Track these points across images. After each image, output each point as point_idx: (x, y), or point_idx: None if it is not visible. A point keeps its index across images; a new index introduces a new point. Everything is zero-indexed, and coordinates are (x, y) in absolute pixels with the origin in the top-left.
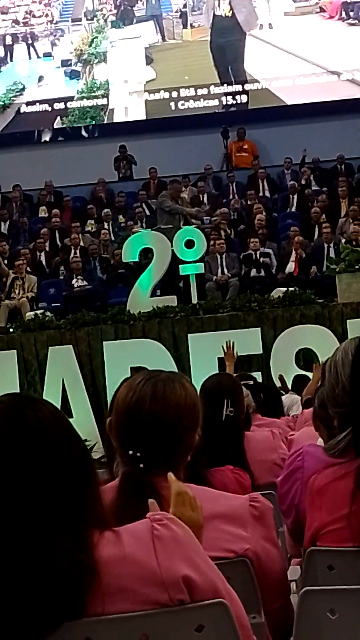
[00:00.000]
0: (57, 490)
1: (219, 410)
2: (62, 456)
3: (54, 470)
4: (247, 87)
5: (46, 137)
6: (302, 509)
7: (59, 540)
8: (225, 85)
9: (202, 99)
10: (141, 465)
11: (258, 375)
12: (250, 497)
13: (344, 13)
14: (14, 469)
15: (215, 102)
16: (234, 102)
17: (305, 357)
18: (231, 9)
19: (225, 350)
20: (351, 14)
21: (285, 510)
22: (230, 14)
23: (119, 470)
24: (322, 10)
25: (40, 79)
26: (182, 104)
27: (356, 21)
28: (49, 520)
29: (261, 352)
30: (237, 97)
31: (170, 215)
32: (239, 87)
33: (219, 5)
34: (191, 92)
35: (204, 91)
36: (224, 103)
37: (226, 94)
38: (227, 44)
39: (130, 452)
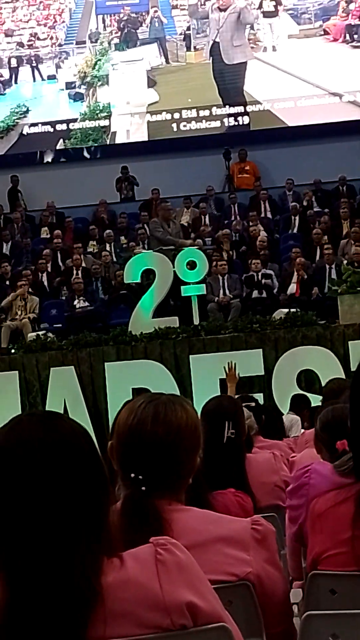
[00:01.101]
0: (81, 507)
1: (220, 432)
2: (90, 471)
3: (81, 484)
4: (249, 108)
5: (48, 158)
6: (305, 528)
7: (73, 562)
8: (227, 106)
9: (204, 121)
10: (143, 488)
11: (260, 397)
12: (252, 520)
13: (347, 36)
14: (45, 478)
15: (217, 124)
16: (236, 123)
17: (307, 379)
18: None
19: (227, 371)
20: (355, 36)
21: (290, 519)
22: None
23: (121, 494)
24: (326, 32)
25: (44, 101)
26: (184, 126)
27: None
28: (70, 537)
29: (263, 373)
30: (239, 118)
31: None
32: (240, 109)
33: (218, 33)
34: (193, 113)
35: (206, 112)
36: (226, 124)
37: (228, 116)
38: (227, 68)
39: (132, 475)
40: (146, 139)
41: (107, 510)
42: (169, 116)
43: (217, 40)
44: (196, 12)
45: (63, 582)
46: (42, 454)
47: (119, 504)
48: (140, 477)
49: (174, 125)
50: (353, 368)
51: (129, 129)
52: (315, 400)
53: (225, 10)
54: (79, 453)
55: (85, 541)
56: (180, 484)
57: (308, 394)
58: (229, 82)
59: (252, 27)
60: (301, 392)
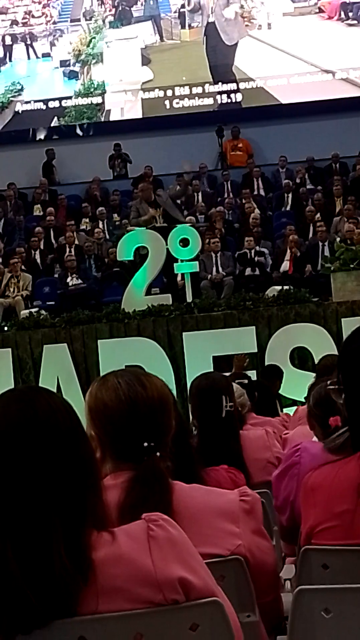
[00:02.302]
0: (61, 483)
1: (217, 407)
2: (70, 447)
3: (60, 461)
4: (242, 85)
5: (41, 136)
6: (298, 506)
7: (59, 536)
8: (219, 83)
9: (196, 98)
10: (158, 454)
11: (253, 374)
12: (240, 492)
13: (342, 13)
14: (22, 456)
15: (210, 101)
16: (229, 100)
17: (300, 356)
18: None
19: (236, 362)
20: (350, 14)
21: (280, 506)
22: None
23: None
24: (321, 10)
25: (39, 79)
26: (177, 103)
27: (355, 21)
28: (51, 514)
29: (256, 350)
30: (232, 95)
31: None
32: (233, 86)
33: (212, 13)
34: (186, 90)
35: (199, 90)
36: (219, 102)
37: (221, 93)
38: (220, 46)
39: (145, 444)
40: (140, 116)
41: (92, 483)
42: (161, 93)
43: (212, 20)
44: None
45: (47, 556)
46: (16, 429)
47: (113, 480)
48: (152, 444)
49: (167, 102)
50: None
51: (123, 106)
52: (308, 377)
53: None
54: (54, 428)
55: (68, 515)
56: (167, 445)
57: (301, 371)
58: (221, 60)
59: (242, 6)
60: (274, 363)
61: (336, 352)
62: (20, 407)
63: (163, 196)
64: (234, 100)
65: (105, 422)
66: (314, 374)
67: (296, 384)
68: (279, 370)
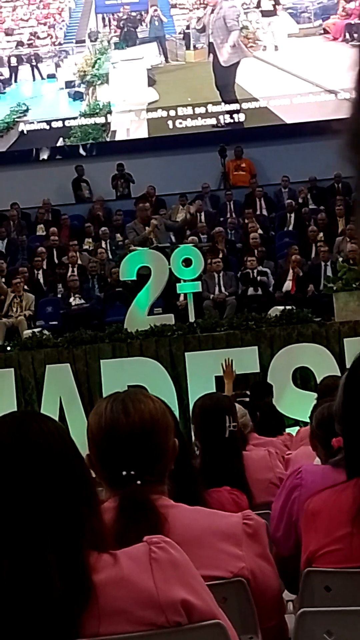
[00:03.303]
0: (55, 506)
1: (220, 428)
2: (63, 471)
3: (54, 485)
4: (245, 105)
5: (44, 156)
6: (300, 528)
7: (55, 558)
8: (222, 104)
9: (199, 118)
10: (138, 482)
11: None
12: (243, 515)
13: (347, 35)
14: (14, 480)
15: (213, 121)
16: (232, 120)
17: (303, 376)
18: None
19: (224, 368)
20: (355, 35)
21: (282, 535)
22: None
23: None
24: (326, 32)
25: (44, 100)
26: (180, 123)
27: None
28: (46, 536)
29: (258, 370)
30: (235, 115)
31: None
32: (236, 106)
33: (212, 33)
34: (189, 110)
35: (202, 110)
36: (222, 122)
37: (223, 113)
38: (221, 67)
39: (124, 473)
40: (146, 136)
41: (88, 506)
42: (164, 113)
43: (211, 40)
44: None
45: (45, 579)
46: (8, 454)
47: (110, 504)
48: (132, 472)
49: (170, 122)
50: (348, 365)
51: (129, 127)
52: (311, 397)
53: (213, 11)
54: (46, 452)
55: (65, 537)
56: (165, 472)
57: (303, 391)
58: (222, 80)
59: (247, 27)
60: (267, 382)
61: (339, 373)
62: (12, 432)
63: (158, 221)
64: (236, 120)
65: (92, 447)
66: (315, 394)
67: (298, 404)
68: (268, 386)
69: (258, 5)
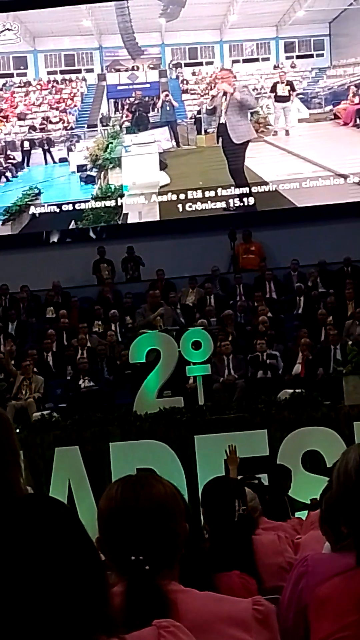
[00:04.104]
0: (64, 590)
1: (229, 511)
2: (72, 554)
3: (62, 568)
4: (255, 189)
5: (54, 239)
6: (309, 616)
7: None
8: (232, 187)
9: (209, 201)
10: (147, 567)
11: (264, 478)
12: (253, 601)
13: (357, 119)
14: (22, 563)
15: (223, 204)
16: (241, 204)
17: (312, 459)
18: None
19: (228, 454)
20: None
21: (291, 626)
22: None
23: (116, 582)
24: (336, 117)
25: (56, 184)
26: (190, 206)
27: None
28: (54, 621)
29: (267, 453)
30: (244, 199)
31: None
32: (246, 190)
33: (224, 114)
34: (199, 194)
35: (212, 193)
36: (232, 205)
37: (234, 196)
38: (232, 148)
39: (132, 557)
40: (158, 219)
41: (99, 589)
42: (174, 197)
43: (222, 121)
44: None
45: None
46: (21, 539)
47: (118, 588)
48: (140, 557)
49: (180, 205)
50: None
51: (141, 210)
52: (321, 481)
53: (225, 94)
54: (56, 537)
55: (75, 621)
56: (176, 556)
57: (313, 474)
58: (232, 162)
59: (257, 112)
60: (286, 466)
61: None
62: (23, 515)
63: (165, 311)
64: (246, 204)
65: (102, 530)
66: (326, 478)
67: (308, 488)
68: (287, 470)
69: (273, 90)
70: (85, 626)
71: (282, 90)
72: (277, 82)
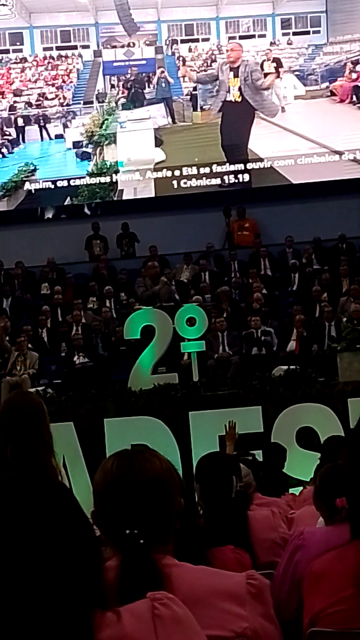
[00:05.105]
0: (58, 564)
1: (226, 488)
2: (65, 529)
3: (56, 543)
4: (250, 166)
5: (49, 215)
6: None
7: (57, 617)
8: (228, 164)
9: (204, 178)
10: (142, 541)
11: (259, 454)
12: (247, 575)
13: (354, 97)
14: (15, 539)
15: (218, 181)
16: (236, 180)
17: (306, 436)
18: (241, 94)
19: (227, 429)
20: None
21: (284, 599)
22: (240, 99)
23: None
24: (332, 94)
25: (52, 160)
26: (185, 183)
27: None
28: (48, 595)
29: (262, 430)
30: (239, 175)
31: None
32: (241, 166)
33: (228, 91)
34: (194, 170)
35: (207, 170)
36: (227, 182)
37: (228, 173)
38: (234, 127)
39: (127, 531)
40: (153, 195)
41: (93, 563)
42: (169, 173)
43: (230, 99)
44: (203, 79)
45: (49, 638)
46: (13, 514)
47: (113, 562)
48: (135, 531)
49: (175, 182)
50: (352, 425)
51: (136, 186)
52: (315, 457)
53: (236, 67)
54: (50, 511)
55: (69, 595)
56: (171, 531)
57: (307, 451)
58: (235, 140)
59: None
60: (282, 445)
61: (342, 433)
62: (16, 490)
63: (167, 278)
64: (241, 181)
65: (97, 504)
66: (319, 454)
67: (302, 464)
68: (282, 449)
69: (261, 68)
70: (80, 600)
71: (268, 67)
72: (265, 60)
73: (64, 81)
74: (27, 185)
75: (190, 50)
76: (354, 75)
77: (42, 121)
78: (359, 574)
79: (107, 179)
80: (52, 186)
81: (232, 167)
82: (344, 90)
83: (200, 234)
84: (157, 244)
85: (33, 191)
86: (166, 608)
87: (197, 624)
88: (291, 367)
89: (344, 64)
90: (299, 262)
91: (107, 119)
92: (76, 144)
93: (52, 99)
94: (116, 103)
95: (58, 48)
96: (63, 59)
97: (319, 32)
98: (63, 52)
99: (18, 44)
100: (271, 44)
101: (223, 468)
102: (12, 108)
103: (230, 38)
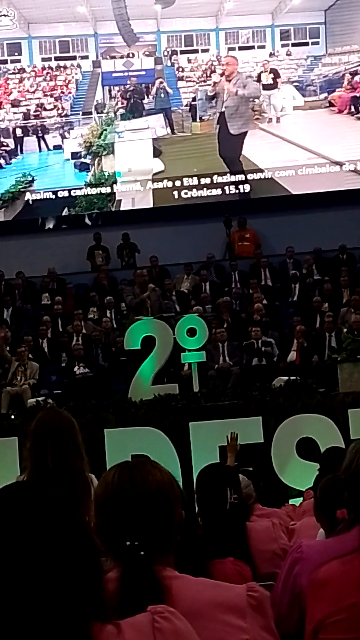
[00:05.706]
0: (58, 575)
1: (222, 499)
2: (66, 540)
3: (56, 554)
4: (250, 176)
5: (50, 225)
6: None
7: (57, 629)
8: (228, 174)
9: (205, 189)
10: (142, 553)
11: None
12: (247, 587)
13: (352, 107)
14: (17, 551)
15: (219, 191)
16: (237, 191)
17: (307, 446)
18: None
19: (229, 440)
20: None
21: (285, 613)
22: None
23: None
24: (331, 104)
25: (50, 171)
26: (186, 193)
27: None
28: (48, 606)
29: (262, 440)
30: (240, 186)
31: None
32: (241, 177)
33: (223, 103)
34: (194, 181)
35: (207, 180)
36: (227, 192)
37: (229, 184)
38: (228, 137)
39: (127, 543)
40: (151, 206)
41: (93, 575)
42: (170, 184)
43: (223, 110)
44: (204, 92)
45: None
46: (16, 525)
47: (113, 574)
48: (136, 543)
49: (175, 193)
50: (352, 436)
51: (134, 197)
52: (315, 468)
53: (230, 80)
54: (50, 523)
55: (69, 607)
56: (172, 543)
57: (307, 462)
58: (229, 151)
59: (253, 100)
60: (304, 461)
61: (343, 444)
62: (18, 501)
63: (152, 296)
64: (242, 191)
65: (98, 515)
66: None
67: (302, 475)
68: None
69: (258, 79)
70: (80, 612)
71: (266, 79)
72: (262, 72)
73: (62, 92)
74: (26, 196)
75: (189, 61)
76: (353, 86)
77: (40, 132)
78: None
79: (107, 190)
80: (51, 197)
81: (233, 178)
82: (343, 101)
83: (201, 244)
84: (157, 255)
85: (31, 202)
86: (167, 621)
87: (198, 637)
88: (291, 377)
89: (342, 75)
90: (299, 273)
91: (105, 130)
92: (74, 155)
93: (51, 109)
94: (115, 114)
95: (57, 58)
96: (62, 69)
97: (317, 43)
98: (62, 63)
99: (16, 54)
100: (270, 55)
101: (219, 479)
102: (10, 119)
103: (229, 49)
